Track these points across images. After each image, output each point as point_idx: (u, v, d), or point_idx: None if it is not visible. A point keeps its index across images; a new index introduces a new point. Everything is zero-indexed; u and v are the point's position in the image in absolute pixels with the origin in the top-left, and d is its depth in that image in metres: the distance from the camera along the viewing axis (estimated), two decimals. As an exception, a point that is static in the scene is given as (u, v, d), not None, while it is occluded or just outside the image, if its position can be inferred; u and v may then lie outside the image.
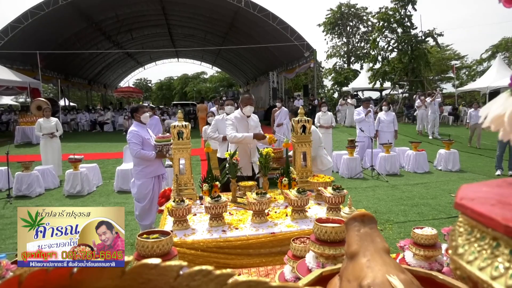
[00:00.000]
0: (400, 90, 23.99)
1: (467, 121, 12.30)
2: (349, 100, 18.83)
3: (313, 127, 4.98)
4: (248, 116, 4.59)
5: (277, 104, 11.12)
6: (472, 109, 11.97)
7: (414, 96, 17.74)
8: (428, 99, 14.64)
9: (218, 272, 0.41)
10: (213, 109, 11.71)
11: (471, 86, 23.02)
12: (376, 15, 23.00)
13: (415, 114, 17.31)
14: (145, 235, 1.74)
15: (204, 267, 0.40)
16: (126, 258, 0.64)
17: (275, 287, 0.41)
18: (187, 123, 3.75)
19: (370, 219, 1.03)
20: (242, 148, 4.35)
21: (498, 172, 8.21)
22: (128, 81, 40.28)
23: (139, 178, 4.58)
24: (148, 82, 57.46)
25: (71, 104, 31.73)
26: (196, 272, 0.40)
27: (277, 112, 10.65)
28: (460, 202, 0.39)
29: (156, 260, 0.40)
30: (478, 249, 0.36)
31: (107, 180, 8.44)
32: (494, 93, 18.59)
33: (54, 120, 8.51)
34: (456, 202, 0.41)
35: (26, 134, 15.11)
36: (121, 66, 38.30)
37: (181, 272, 0.41)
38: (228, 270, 0.41)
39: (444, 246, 1.90)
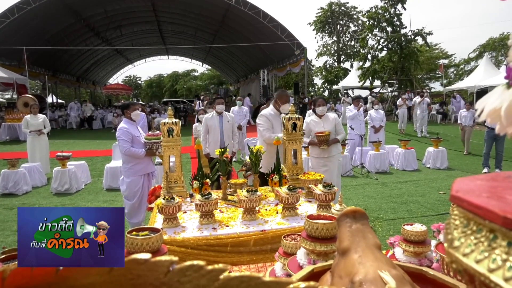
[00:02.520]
0: (390, 89, 24.19)
1: (459, 122, 11.19)
2: (345, 98, 18.90)
3: (334, 114, 5.13)
4: (280, 113, 4.49)
5: (268, 102, 11.10)
6: (464, 110, 10.88)
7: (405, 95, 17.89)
8: (418, 99, 14.77)
9: (210, 267, 0.39)
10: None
11: (459, 85, 23.31)
12: (366, 14, 23.11)
13: (396, 113, 17.42)
14: (134, 232, 1.72)
15: (195, 262, 0.39)
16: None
17: (268, 282, 0.40)
18: (177, 120, 3.72)
19: (361, 215, 1.03)
20: (273, 149, 4.25)
21: (485, 170, 8.33)
22: (117, 78, 39.98)
23: (128, 175, 4.53)
24: (137, 79, 56.98)
25: (59, 101, 31.31)
26: (187, 268, 0.39)
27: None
28: (456, 195, 0.39)
29: (145, 255, 0.39)
30: (475, 241, 0.36)
31: (96, 178, 8.35)
32: (481, 92, 18.86)
33: (41, 116, 8.38)
34: (452, 194, 0.41)
35: (12, 131, 14.86)
36: (110, 63, 37.87)
37: (171, 268, 0.40)
38: (220, 265, 0.40)
39: (433, 242, 1.92)
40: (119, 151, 4.67)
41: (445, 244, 0.39)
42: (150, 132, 4.61)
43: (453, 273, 1.53)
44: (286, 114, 4.36)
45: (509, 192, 0.37)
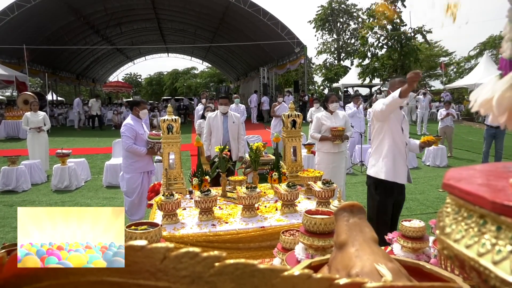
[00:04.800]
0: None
1: (439, 118, 10.25)
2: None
3: (344, 112, 5.21)
4: (401, 108, 3.50)
5: (278, 99, 11.11)
6: (443, 109, 10.13)
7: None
8: (421, 97, 14.76)
9: (205, 254, 0.40)
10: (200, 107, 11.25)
11: (459, 83, 23.28)
12: (366, 12, 23.06)
13: None
14: (133, 227, 1.73)
15: (191, 249, 0.40)
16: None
17: (262, 269, 0.40)
18: (177, 117, 3.73)
19: (359, 209, 1.03)
20: (396, 151, 3.45)
21: (485, 168, 8.31)
22: (117, 76, 39.90)
23: (128, 172, 4.56)
24: (137, 77, 56.92)
25: (59, 98, 31.28)
26: (183, 254, 0.40)
27: (276, 107, 10.66)
28: (447, 183, 0.40)
29: (142, 242, 0.40)
30: (465, 227, 0.36)
31: (96, 175, 8.36)
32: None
33: (41, 114, 8.38)
34: (443, 182, 0.41)
35: (12, 129, 14.87)
36: (110, 61, 37.82)
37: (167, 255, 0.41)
38: (216, 252, 0.40)
39: (431, 238, 1.93)
40: (122, 147, 4.68)
41: (437, 231, 0.40)
42: (154, 132, 4.61)
43: (450, 268, 1.54)
44: (401, 107, 3.47)
45: (500, 180, 0.37)
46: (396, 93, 3.12)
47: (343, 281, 0.41)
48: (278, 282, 0.40)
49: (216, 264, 0.40)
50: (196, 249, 0.40)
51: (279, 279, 0.40)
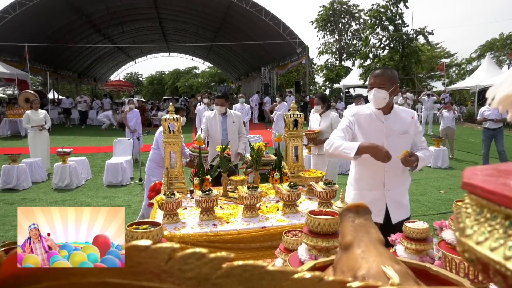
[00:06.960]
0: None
1: (440, 122, 10.20)
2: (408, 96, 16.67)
3: (334, 113, 5.21)
4: (392, 113, 2.64)
5: (276, 99, 11.11)
6: (445, 110, 10.08)
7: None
8: (425, 98, 14.73)
9: (212, 255, 0.38)
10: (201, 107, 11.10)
11: (460, 84, 23.25)
12: (368, 13, 23.05)
13: None
14: (134, 226, 1.71)
15: (197, 249, 0.38)
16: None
17: (272, 271, 0.39)
18: (178, 116, 3.71)
19: (364, 210, 1.02)
20: (366, 177, 2.71)
21: (486, 170, 8.26)
22: (119, 75, 39.83)
23: (155, 175, 4.64)
24: (139, 76, 57.00)
25: (60, 97, 31.27)
26: (189, 255, 0.38)
27: (277, 106, 10.65)
28: (468, 182, 0.38)
29: (146, 242, 0.38)
30: (489, 229, 0.35)
31: (97, 174, 8.35)
32: (483, 92, 18.81)
33: (42, 112, 8.38)
34: (464, 181, 0.39)
35: (14, 127, 14.89)
36: (112, 60, 37.87)
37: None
38: (223, 253, 0.39)
39: (435, 240, 1.91)
40: (154, 151, 4.69)
41: (457, 233, 0.38)
42: (196, 145, 4.34)
43: (455, 271, 1.52)
44: (393, 113, 2.66)
45: (524, 179, 0.36)
46: (353, 149, 2.30)
47: (356, 284, 0.40)
48: (288, 285, 0.39)
49: (224, 265, 0.38)
50: (203, 250, 0.38)
51: (289, 282, 0.38)
